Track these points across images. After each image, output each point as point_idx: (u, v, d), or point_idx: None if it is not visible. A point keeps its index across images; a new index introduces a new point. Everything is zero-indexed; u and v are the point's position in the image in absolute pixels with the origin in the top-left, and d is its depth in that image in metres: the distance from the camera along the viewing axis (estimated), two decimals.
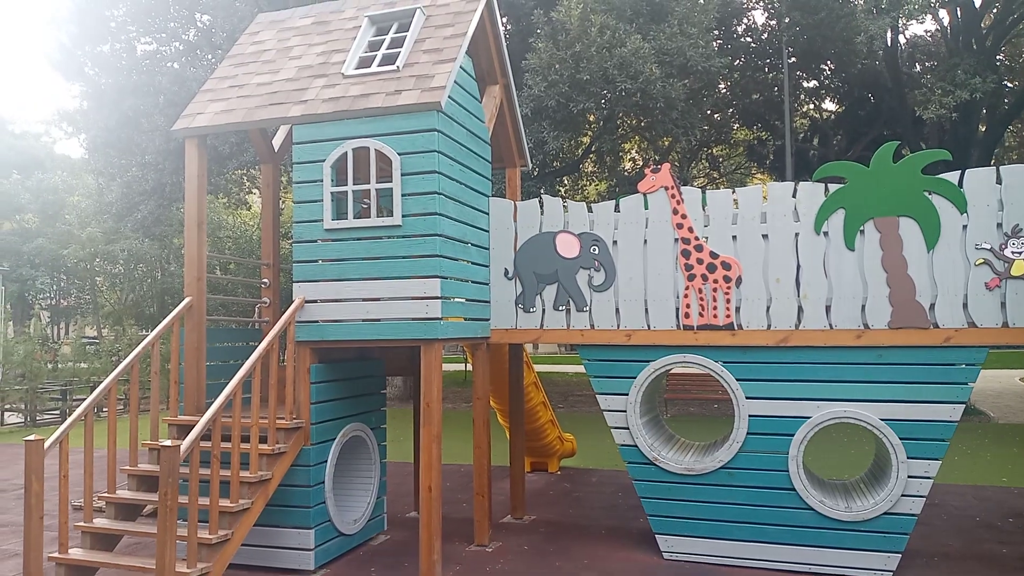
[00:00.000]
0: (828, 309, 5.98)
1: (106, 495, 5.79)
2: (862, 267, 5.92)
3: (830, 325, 5.95)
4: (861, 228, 5.94)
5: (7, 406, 16.75)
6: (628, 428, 6.38)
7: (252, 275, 17.38)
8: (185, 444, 4.95)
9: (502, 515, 7.79)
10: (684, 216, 6.22)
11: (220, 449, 5.29)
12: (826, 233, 6.02)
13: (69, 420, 5.49)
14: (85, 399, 5.23)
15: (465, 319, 6.38)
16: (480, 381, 6.98)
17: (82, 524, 5.58)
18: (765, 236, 6.14)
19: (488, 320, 6.85)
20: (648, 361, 6.35)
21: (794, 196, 6.12)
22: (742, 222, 6.18)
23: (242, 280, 8.32)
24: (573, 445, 10.45)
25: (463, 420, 13.87)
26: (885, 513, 5.79)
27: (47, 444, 5.27)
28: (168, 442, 4.85)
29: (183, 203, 17.35)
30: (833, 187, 6.04)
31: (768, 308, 6.08)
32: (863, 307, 5.91)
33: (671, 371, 6.61)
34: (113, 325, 26.00)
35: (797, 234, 6.07)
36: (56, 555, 5.39)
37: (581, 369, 32.00)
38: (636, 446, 6.36)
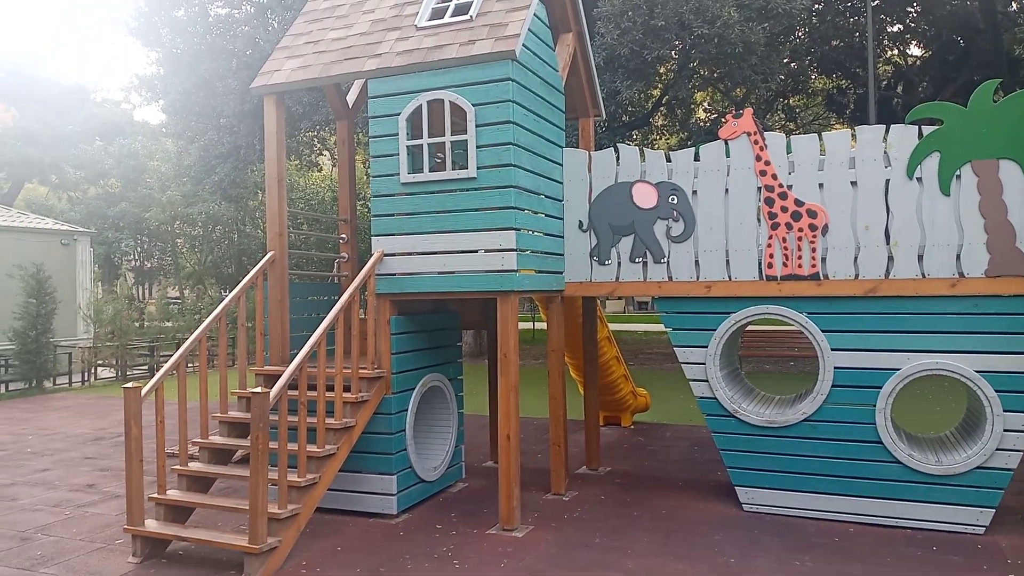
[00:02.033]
0: (920, 257, 5.74)
1: (200, 441, 6.05)
2: (958, 213, 5.65)
3: (922, 274, 5.71)
4: (957, 172, 5.65)
5: (99, 362, 17.62)
6: (707, 380, 6.29)
7: (326, 238, 17.72)
8: (275, 390, 5.11)
9: (577, 466, 7.84)
10: (768, 163, 6.02)
11: (307, 397, 5.45)
12: (919, 179, 5.75)
13: (164, 369, 5.73)
14: (172, 355, 5.47)
15: (540, 272, 6.36)
16: (555, 334, 6.98)
17: (178, 468, 5.85)
18: (854, 183, 5.90)
19: (562, 273, 6.82)
20: (728, 313, 6.23)
21: (885, 140, 5.85)
22: (829, 168, 5.95)
23: (318, 235, 8.49)
24: (647, 400, 10.42)
25: (530, 376, 13.97)
26: (978, 467, 5.59)
27: (144, 391, 5.52)
28: (258, 389, 5.02)
29: (258, 165, 17.81)
30: (927, 130, 5.74)
31: (856, 257, 5.87)
32: (958, 255, 5.65)
33: (746, 328, 6.48)
34: (194, 285, 27.01)
35: (888, 180, 5.82)
36: (156, 496, 5.67)
37: (650, 327, 31.75)
38: (715, 398, 6.28)
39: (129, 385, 5.48)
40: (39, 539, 5.91)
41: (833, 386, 5.92)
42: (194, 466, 5.91)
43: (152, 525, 5.50)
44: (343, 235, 7.71)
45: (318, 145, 21.50)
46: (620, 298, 48.22)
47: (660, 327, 30.78)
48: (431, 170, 6.15)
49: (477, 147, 5.92)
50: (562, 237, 6.79)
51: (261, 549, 4.97)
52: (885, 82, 20.79)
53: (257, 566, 4.99)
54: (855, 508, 5.90)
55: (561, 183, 6.78)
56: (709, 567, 5.06)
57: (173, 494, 5.74)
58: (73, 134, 31.79)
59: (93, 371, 17.30)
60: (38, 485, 7.61)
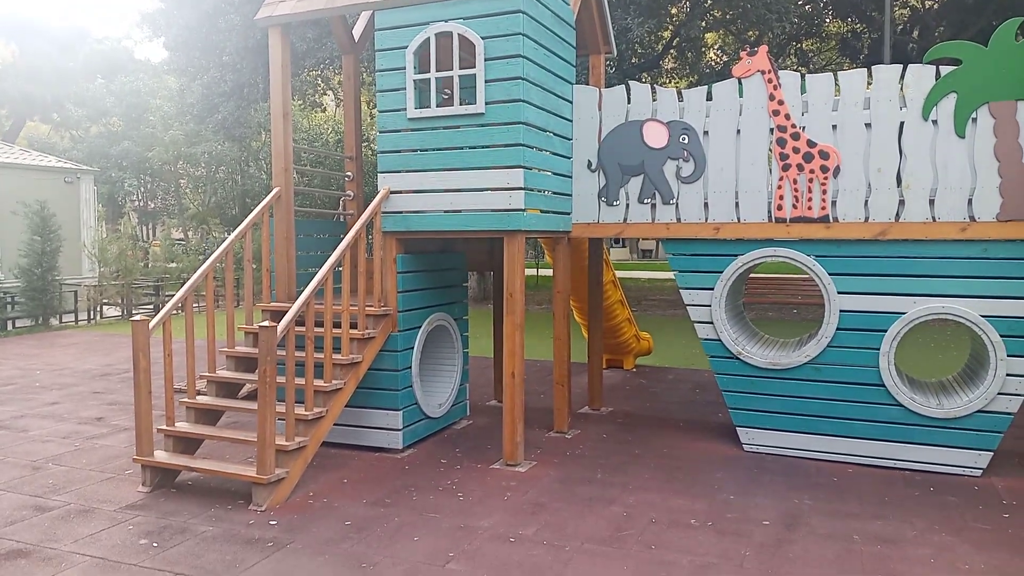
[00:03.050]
0: (932, 201, 5.68)
1: (207, 375, 6.10)
2: (972, 156, 5.57)
3: (933, 217, 5.66)
4: (973, 114, 5.55)
5: (105, 300, 17.70)
6: (712, 323, 6.30)
7: (331, 175, 17.58)
8: (282, 324, 5.13)
9: (579, 406, 7.92)
10: (781, 102, 5.91)
11: (314, 332, 5.47)
12: (934, 121, 5.65)
13: (171, 303, 5.74)
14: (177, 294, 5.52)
15: (547, 212, 6.31)
16: (560, 276, 6.97)
17: (186, 400, 5.91)
18: (868, 124, 5.80)
19: (569, 214, 6.77)
20: (736, 255, 6.20)
21: (901, 81, 5.74)
22: (843, 109, 5.84)
23: (324, 172, 8.41)
24: (650, 343, 10.47)
25: (532, 321, 14.05)
26: (979, 411, 5.63)
27: (152, 324, 5.55)
28: (266, 323, 5.04)
29: (261, 104, 17.57)
30: (945, 70, 5.63)
31: (867, 200, 5.81)
32: (970, 199, 5.58)
33: (750, 274, 6.44)
34: (198, 226, 26.97)
35: (903, 122, 5.72)
36: (164, 428, 5.74)
37: (654, 275, 31.76)
38: (720, 340, 6.30)
39: (137, 318, 5.50)
40: (50, 468, 6.01)
41: (838, 329, 5.93)
42: (202, 399, 5.97)
43: (161, 456, 5.58)
44: (349, 172, 7.65)
45: (321, 85, 21.21)
46: (622, 242, 48.08)
47: (663, 275, 30.79)
48: (438, 106, 6.06)
49: (486, 82, 5.82)
50: (570, 177, 6.73)
51: (269, 479, 5.06)
52: (901, 26, 20.31)
53: (265, 496, 5.08)
54: (855, 449, 5.97)
55: (570, 121, 6.68)
56: (709, 503, 5.14)
57: (182, 426, 5.81)
58: (74, 71, 31.37)
59: (99, 309, 17.39)
60: (48, 418, 7.71)
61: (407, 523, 4.80)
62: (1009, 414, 5.60)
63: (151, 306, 18.36)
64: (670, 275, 30.37)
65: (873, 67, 5.85)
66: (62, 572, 4.12)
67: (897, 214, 5.76)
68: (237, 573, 4.10)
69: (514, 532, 4.65)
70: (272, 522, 4.84)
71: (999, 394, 5.58)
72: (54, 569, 4.16)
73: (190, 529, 4.73)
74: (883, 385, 5.82)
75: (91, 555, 4.34)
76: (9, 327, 15.17)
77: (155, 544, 4.49)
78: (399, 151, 6.18)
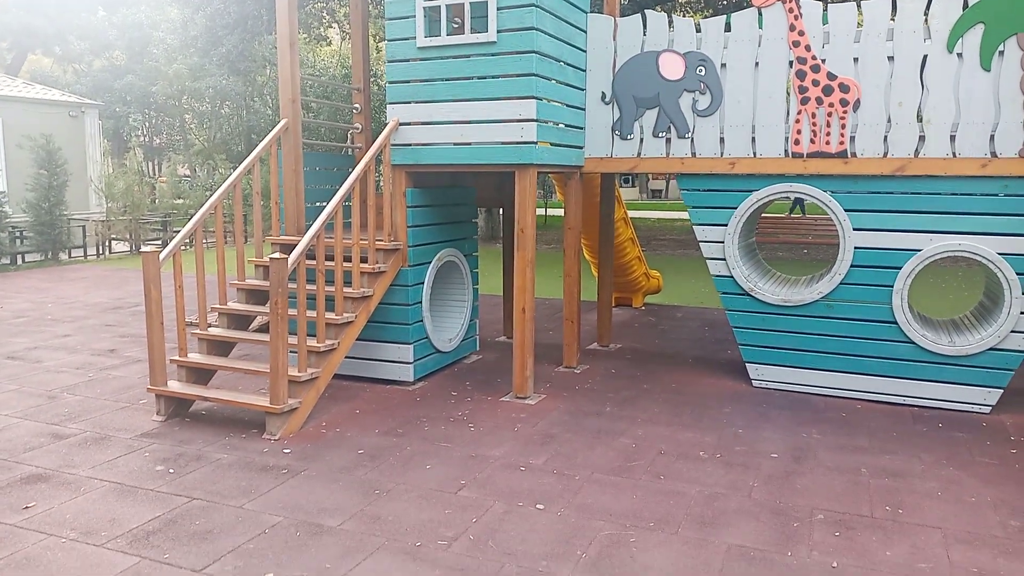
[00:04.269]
0: (952, 137, 5.56)
1: (219, 307, 6.12)
2: (996, 90, 5.42)
3: (953, 153, 5.54)
4: (1001, 46, 5.38)
5: (113, 236, 17.71)
6: (725, 259, 6.26)
7: (338, 111, 17.33)
8: (293, 256, 5.11)
9: (588, 343, 7.95)
10: (802, 33, 5.74)
11: (324, 265, 5.45)
12: (959, 54, 5.49)
13: (180, 235, 5.72)
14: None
15: (559, 145, 6.21)
16: (572, 212, 6.91)
17: (198, 332, 5.94)
18: (890, 57, 5.64)
19: (582, 148, 6.67)
20: (751, 191, 6.11)
21: (927, 11, 5.55)
22: (866, 40, 5.67)
23: (332, 103, 8.27)
24: (659, 282, 10.45)
25: (542, 259, 14.02)
26: (991, 348, 5.62)
27: (162, 256, 5.53)
28: (276, 255, 5.01)
29: (266, 37, 17.24)
30: (973, 0, 5.43)
31: (886, 135, 5.69)
32: (992, 134, 5.46)
33: (763, 212, 6.34)
34: (204, 162, 26.74)
35: (926, 55, 5.56)
36: (177, 359, 5.78)
37: (664, 215, 31.52)
38: (732, 277, 6.26)
39: (148, 249, 5.49)
40: (65, 398, 6.09)
41: (852, 266, 5.88)
42: (214, 331, 5.99)
43: (175, 386, 5.64)
44: (356, 105, 7.52)
45: (327, 17, 20.79)
46: (632, 182, 47.60)
47: (673, 215, 30.55)
48: (449, 34, 5.91)
49: (497, 9, 5.66)
50: (583, 109, 6.60)
51: (282, 409, 5.11)
52: None
53: (279, 425, 5.15)
54: (865, 386, 5.98)
55: (584, 51, 6.51)
56: (717, 436, 5.18)
57: (194, 357, 5.84)
58: (75, 3, 30.74)
59: (107, 244, 17.42)
60: (60, 349, 7.78)
61: (419, 452, 4.86)
62: (1021, 352, 5.58)
63: (159, 241, 18.36)
64: (680, 215, 30.25)
65: None
66: (82, 495, 4.20)
67: (916, 150, 5.64)
68: (253, 498, 4.17)
69: (524, 461, 4.71)
70: (286, 450, 4.91)
71: (1012, 332, 5.56)
72: (74, 492, 4.24)
73: (205, 456, 4.80)
74: (895, 322, 5.80)
75: (109, 480, 4.42)
76: (19, 261, 15.22)
77: (171, 470, 4.57)
78: (408, 81, 6.06)
